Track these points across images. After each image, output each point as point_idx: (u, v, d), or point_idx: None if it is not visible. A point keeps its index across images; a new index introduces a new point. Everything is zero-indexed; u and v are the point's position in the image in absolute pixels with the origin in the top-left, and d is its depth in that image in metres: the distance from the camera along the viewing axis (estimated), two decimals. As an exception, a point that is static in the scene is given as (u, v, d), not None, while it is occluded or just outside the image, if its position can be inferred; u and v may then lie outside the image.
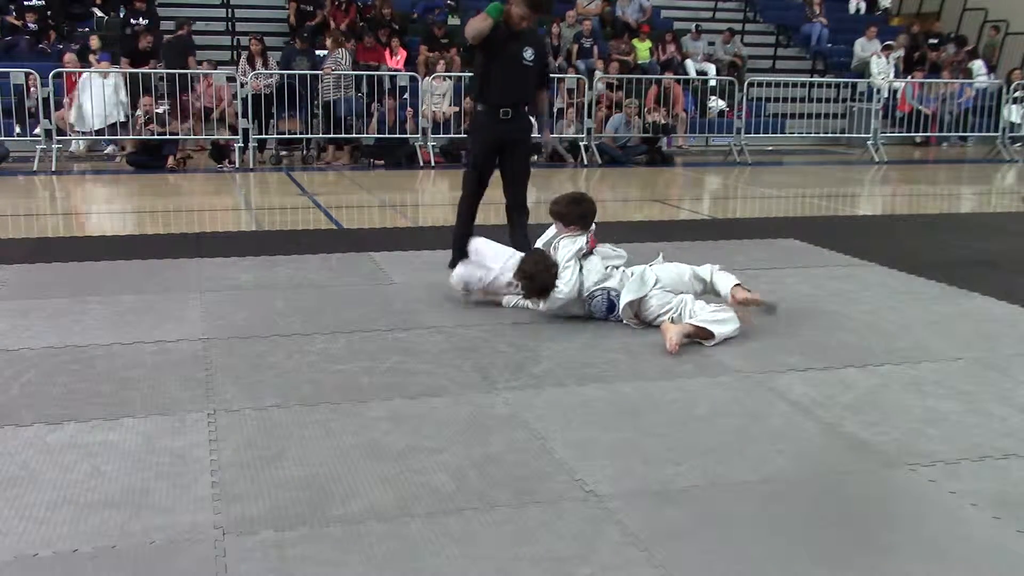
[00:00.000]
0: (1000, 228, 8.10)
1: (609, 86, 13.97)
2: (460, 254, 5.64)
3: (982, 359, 4.35)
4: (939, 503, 2.96)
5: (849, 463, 3.24)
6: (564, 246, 4.89)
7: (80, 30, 15.10)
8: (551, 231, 5.11)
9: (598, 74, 14.22)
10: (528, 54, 5.69)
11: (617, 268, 4.92)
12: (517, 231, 5.82)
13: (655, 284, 4.76)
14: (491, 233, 5.55)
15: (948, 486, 3.05)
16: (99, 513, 2.79)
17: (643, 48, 16.13)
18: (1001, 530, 2.77)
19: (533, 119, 6.41)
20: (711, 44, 17.09)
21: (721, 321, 4.55)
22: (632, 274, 4.83)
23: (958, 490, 3.02)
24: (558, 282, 4.79)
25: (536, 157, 13.08)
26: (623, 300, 4.74)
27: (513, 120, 5.77)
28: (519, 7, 5.56)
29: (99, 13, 15.75)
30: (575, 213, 5.01)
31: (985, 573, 2.55)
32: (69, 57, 12.82)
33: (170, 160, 11.72)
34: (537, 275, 4.83)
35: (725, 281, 4.84)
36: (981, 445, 3.37)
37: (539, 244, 5.14)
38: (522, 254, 5.08)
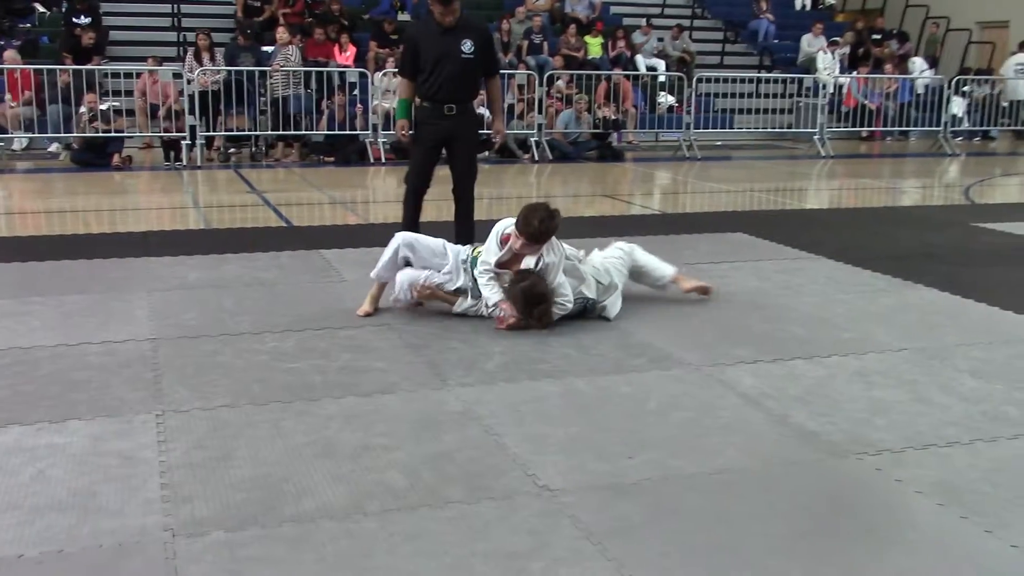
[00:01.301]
0: (943, 221, 8.26)
1: (551, 80, 14.00)
2: None
3: (926, 349, 4.44)
4: (885, 491, 3.01)
5: (798, 453, 3.28)
6: (552, 264, 4.71)
7: (21, 26, 14.81)
8: (496, 248, 4.73)
9: (550, 70, 14.24)
10: (467, 47, 5.66)
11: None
12: (463, 222, 5.84)
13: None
14: (439, 230, 5.54)
15: (894, 474, 3.11)
16: (45, 517, 2.74)
17: (595, 44, 16.18)
18: (944, 516, 2.83)
19: (486, 111, 6.44)
20: (660, 40, 17.20)
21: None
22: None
23: (904, 478, 3.08)
24: (564, 302, 4.71)
25: (488, 153, 13.09)
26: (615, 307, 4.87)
27: (458, 115, 5.77)
28: (433, 5, 5.62)
29: (41, 9, 15.48)
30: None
31: (930, 558, 2.60)
32: (10, 54, 12.56)
33: (115, 158, 11.53)
34: (550, 300, 4.65)
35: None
36: (925, 433, 3.44)
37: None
38: (460, 247, 4.96)
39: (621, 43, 16.37)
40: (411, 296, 4.83)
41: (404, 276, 4.83)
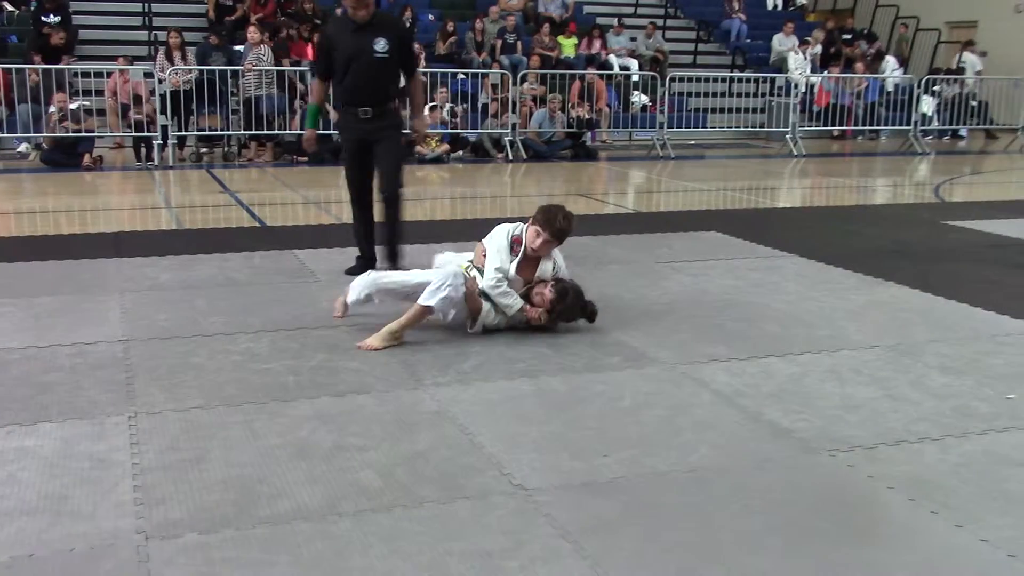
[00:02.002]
0: (913, 219, 8.34)
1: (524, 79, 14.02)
2: (364, 258, 5.64)
3: (897, 346, 4.48)
4: (858, 487, 3.04)
5: (771, 450, 3.30)
6: (562, 267, 4.74)
7: (-11, 24, 14.67)
8: (507, 255, 4.61)
9: (524, 70, 14.25)
10: (380, 45, 5.31)
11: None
12: (385, 226, 5.58)
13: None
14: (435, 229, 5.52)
15: (866, 470, 3.14)
16: (15, 521, 2.71)
17: (568, 45, 16.22)
18: (916, 511, 2.86)
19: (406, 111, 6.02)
20: (633, 40, 17.25)
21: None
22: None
23: (875, 474, 3.11)
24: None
25: (462, 152, 13.07)
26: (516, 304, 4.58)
27: (374, 119, 5.44)
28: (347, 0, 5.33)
29: (9, 8, 15.31)
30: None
31: (901, 553, 2.62)
32: (-22, 52, 12.44)
33: (86, 158, 11.43)
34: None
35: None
36: (896, 430, 3.47)
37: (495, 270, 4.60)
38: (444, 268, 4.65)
39: (597, 42, 16.41)
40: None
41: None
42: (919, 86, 15.19)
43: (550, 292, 4.57)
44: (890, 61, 17.81)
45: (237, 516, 2.76)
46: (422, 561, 2.53)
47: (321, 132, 12.37)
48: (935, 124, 16.24)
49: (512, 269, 4.60)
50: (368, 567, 2.50)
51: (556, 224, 4.56)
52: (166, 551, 2.56)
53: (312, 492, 2.91)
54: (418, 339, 4.49)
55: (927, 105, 15.89)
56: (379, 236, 5.67)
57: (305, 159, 12.38)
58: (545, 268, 4.68)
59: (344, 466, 3.10)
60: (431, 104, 12.89)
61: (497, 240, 4.65)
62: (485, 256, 4.66)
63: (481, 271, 4.63)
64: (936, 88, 16.18)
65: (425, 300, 4.36)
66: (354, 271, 5.45)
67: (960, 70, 17.50)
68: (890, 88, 16.59)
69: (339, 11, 5.84)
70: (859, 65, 16.86)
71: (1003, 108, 16.70)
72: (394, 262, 5.55)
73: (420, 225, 5.88)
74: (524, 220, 4.79)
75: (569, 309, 4.60)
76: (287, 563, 2.51)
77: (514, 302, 4.55)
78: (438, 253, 5.07)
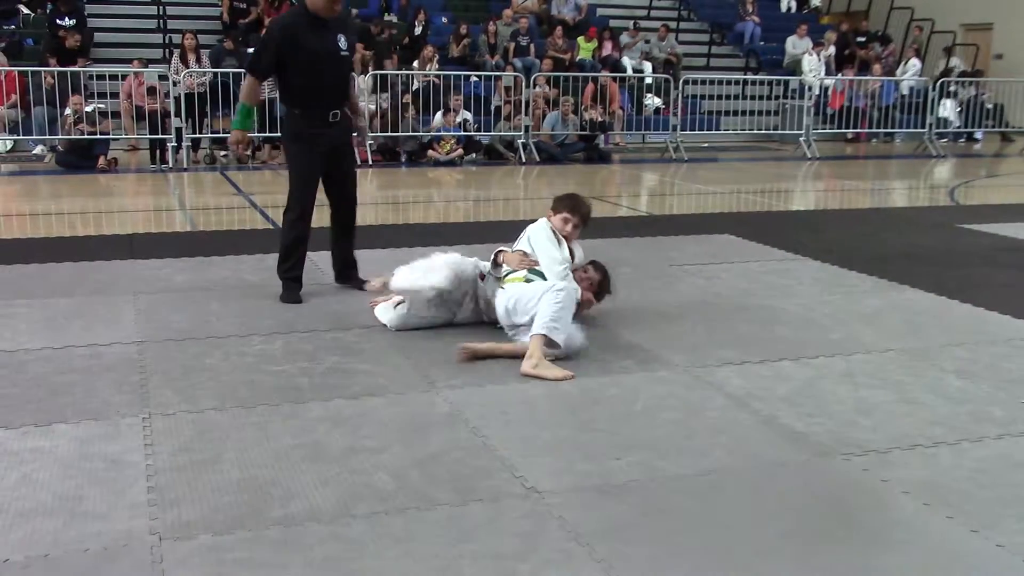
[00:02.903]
0: (928, 222, 8.30)
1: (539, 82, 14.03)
2: (338, 273, 5.50)
3: (912, 350, 4.46)
4: (872, 491, 3.02)
5: (785, 454, 3.29)
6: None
7: (5, 28, 14.74)
8: (557, 244, 4.59)
9: (536, 72, 14.25)
10: (343, 43, 5.06)
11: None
12: (348, 240, 5.47)
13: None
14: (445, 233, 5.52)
15: (880, 474, 3.12)
16: (31, 521, 2.72)
17: (587, 49, 16.14)
18: (931, 516, 2.84)
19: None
20: (647, 42, 17.24)
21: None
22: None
23: (890, 478, 3.09)
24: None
25: (475, 155, 13.08)
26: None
27: (341, 122, 5.19)
28: None
29: (25, 11, 15.40)
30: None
31: (916, 558, 2.61)
32: (-5, 55, 12.53)
33: (101, 160, 11.48)
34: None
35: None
36: (911, 434, 3.46)
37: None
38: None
39: (608, 44, 16.40)
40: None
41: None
42: (934, 88, 15.12)
43: (595, 272, 4.77)
44: (915, 64, 17.69)
45: (250, 517, 2.76)
46: (435, 564, 2.53)
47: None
48: (956, 126, 16.16)
49: (564, 256, 4.57)
50: (381, 569, 2.50)
51: (583, 209, 4.72)
52: (179, 552, 2.57)
53: (325, 494, 2.92)
54: (431, 341, 4.49)
55: (948, 109, 15.81)
56: (341, 251, 5.49)
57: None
58: (579, 253, 4.80)
59: (357, 468, 3.10)
60: (445, 107, 12.93)
61: (541, 237, 4.59)
62: (524, 257, 4.57)
63: (494, 273, 4.63)
64: (952, 89, 16.10)
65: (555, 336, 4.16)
66: (293, 298, 5.18)
67: (976, 72, 17.43)
68: (904, 91, 16.52)
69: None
70: (876, 67, 16.80)
71: (1019, 111, 16.62)
72: (355, 270, 5.52)
73: (433, 228, 5.87)
74: (534, 221, 4.80)
75: (609, 285, 4.81)
76: (300, 565, 2.52)
77: (578, 288, 4.52)
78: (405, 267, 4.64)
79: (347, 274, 5.55)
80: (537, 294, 4.27)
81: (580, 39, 16.20)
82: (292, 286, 5.26)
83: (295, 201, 5.22)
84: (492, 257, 4.68)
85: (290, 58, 4.97)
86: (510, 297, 4.43)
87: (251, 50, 13.11)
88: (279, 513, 2.79)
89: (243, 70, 12.24)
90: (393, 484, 2.99)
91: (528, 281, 4.47)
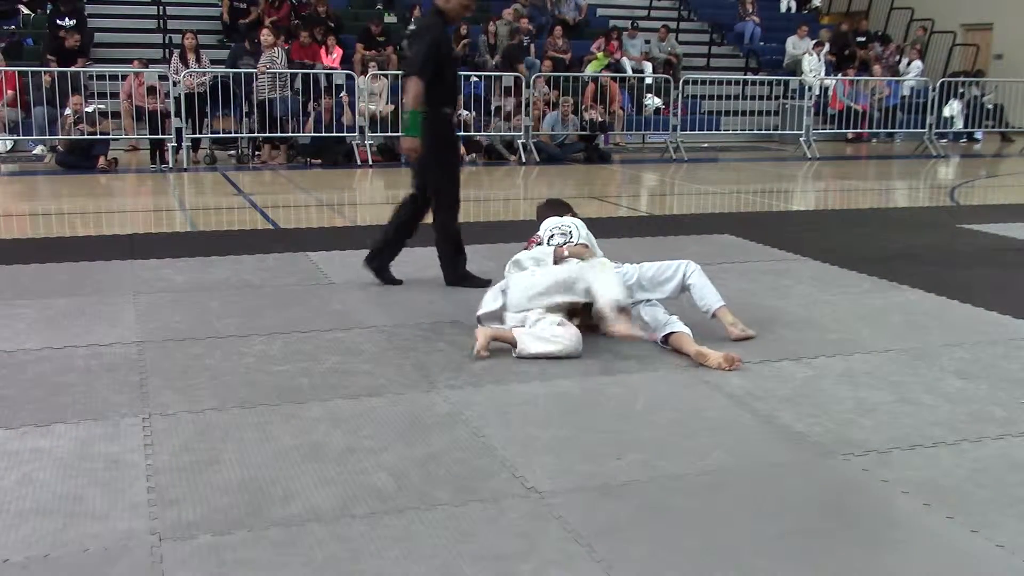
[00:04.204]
0: (929, 222, 8.30)
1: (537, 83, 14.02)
2: (457, 276, 5.51)
3: (912, 350, 4.46)
4: (872, 491, 3.02)
5: (785, 454, 3.29)
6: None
7: (6, 28, 14.75)
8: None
9: (536, 73, 14.25)
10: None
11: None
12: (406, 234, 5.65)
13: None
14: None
15: (880, 474, 3.12)
16: (31, 521, 2.72)
17: (601, 60, 15.72)
18: (931, 516, 2.84)
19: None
20: (647, 42, 17.24)
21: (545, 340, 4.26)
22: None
23: (890, 478, 3.09)
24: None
25: (474, 155, 13.07)
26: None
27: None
28: None
29: (26, 11, 15.41)
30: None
31: (916, 558, 2.61)
32: (-6, 55, 12.53)
33: (101, 160, 11.49)
34: None
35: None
36: (911, 434, 3.45)
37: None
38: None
39: (613, 44, 16.38)
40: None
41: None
42: (935, 89, 15.12)
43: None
44: (917, 65, 17.66)
45: (250, 518, 2.76)
46: (435, 564, 2.53)
47: (335, 135, 12.51)
48: (958, 127, 16.16)
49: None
50: (381, 570, 2.50)
51: (557, 203, 5.05)
52: (180, 552, 2.57)
53: (325, 494, 2.92)
54: (431, 341, 4.49)
55: (954, 110, 15.80)
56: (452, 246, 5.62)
57: (318, 161, 12.42)
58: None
59: (357, 468, 3.10)
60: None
61: (585, 233, 4.90)
62: (586, 248, 4.80)
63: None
64: (961, 91, 16.09)
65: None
66: (480, 283, 5.27)
67: (978, 72, 17.43)
68: (905, 92, 16.52)
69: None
70: (877, 68, 16.79)
71: (1019, 111, 16.62)
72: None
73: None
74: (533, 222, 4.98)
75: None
76: (300, 565, 2.52)
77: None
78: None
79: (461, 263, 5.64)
80: (672, 267, 4.58)
81: (599, 54, 15.86)
82: (473, 277, 5.52)
83: (452, 199, 5.50)
84: (552, 255, 4.68)
85: (444, 61, 5.33)
86: (627, 274, 4.52)
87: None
88: (279, 513, 2.79)
89: (244, 70, 12.22)
90: (393, 484, 2.99)
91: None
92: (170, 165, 11.77)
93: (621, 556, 2.58)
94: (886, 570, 2.54)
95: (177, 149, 11.85)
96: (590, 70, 15.14)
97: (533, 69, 14.58)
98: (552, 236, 4.81)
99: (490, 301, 4.48)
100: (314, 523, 2.73)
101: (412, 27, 14.45)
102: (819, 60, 17.13)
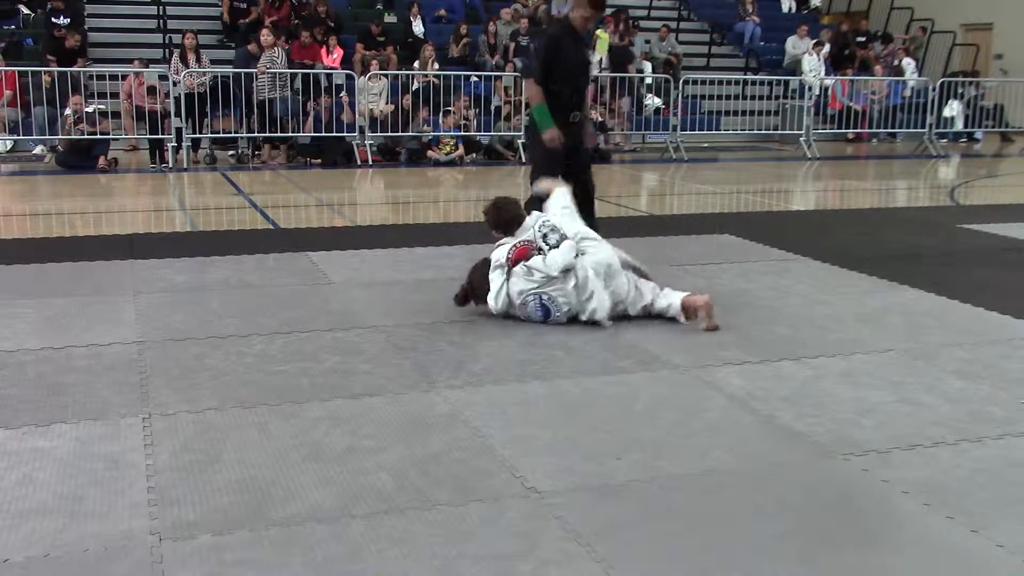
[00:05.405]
0: (929, 222, 8.30)
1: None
2: None
3: (912, 350, 4.46)
4: (872, 491, 3.02)
5: (785, 454, 3.29)
6: (494, 256, 4.82)
7: (5, 28, 14.75)
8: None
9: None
10: (589, 55, 5.71)
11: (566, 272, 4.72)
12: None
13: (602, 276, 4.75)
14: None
15: (880, 474, 3.12)
16: (31, 522, 2.72)
17: (603, 41, 15.59)
18: (931, 516, 2.84)
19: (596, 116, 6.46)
20: (647, 42, 17.23)
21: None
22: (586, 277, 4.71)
23: (890, 478, 3.09)
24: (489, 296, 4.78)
25: (474, 155, 13.08)
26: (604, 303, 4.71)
27: (578, 124, 5.82)
28: (583, 9, 5.59)
29: (25, 11, 15.40)
30: (496, 219, 5.03)
31: (916, 558, 2.61)
32: (-6, 56, 12.53)
33: (101, 160, 11.49)
34: (479, 286, 4.84)
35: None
36: (911, 434, 3.45)
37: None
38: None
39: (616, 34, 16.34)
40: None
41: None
42: (935, 89, 15.11)
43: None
44: (909, 63, 17.69)
45: (250, 517, 2.76)
46: (435, 564, 2.53)
47: (335, 135, 12.51)
48: (959, 127, 16.16)
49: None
50: (381, 569, 2.50)
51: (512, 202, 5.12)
52: (180, 552, 2.57)
53: (325, 494, 2.92)
54: (431, 341, 4.49)
55: (954, 110, 15.79)
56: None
57: (318, 161, 12.42)
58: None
59: (357, 468, 3.10)
60: (445, 109, 12.93)
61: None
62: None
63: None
64: (962, 92, 16.09)
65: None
66: None
67: (975, 72, 17.42)
68: (907, 92, 16.52)
69: (552, 14, 6.18)
70: (877, 68, 16.78)
71: (1019, 111, 16.62)
72: None
73: (433, 228, 5.87)
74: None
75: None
76: (300, 565, 2.52)
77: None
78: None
79: None
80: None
81: (599, 32, 15.77)
82: None
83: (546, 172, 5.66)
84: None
85: (554, 65, 5.63)
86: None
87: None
88: (279, 513, 2.79)
89: (244, 70, 12.25)
90: (393, 484, 2.99)
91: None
92: (170, 165, 11.77)
93: (621, 556, 2.58)
94: (886, 570, 2.54)
95: (177, 149, 11.84)
96: (597, 50, 15.16)
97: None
98: (546, 236, 4.79)
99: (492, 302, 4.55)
100: (314, 523, 2.74)
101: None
102: (819, 60, 17.13)
